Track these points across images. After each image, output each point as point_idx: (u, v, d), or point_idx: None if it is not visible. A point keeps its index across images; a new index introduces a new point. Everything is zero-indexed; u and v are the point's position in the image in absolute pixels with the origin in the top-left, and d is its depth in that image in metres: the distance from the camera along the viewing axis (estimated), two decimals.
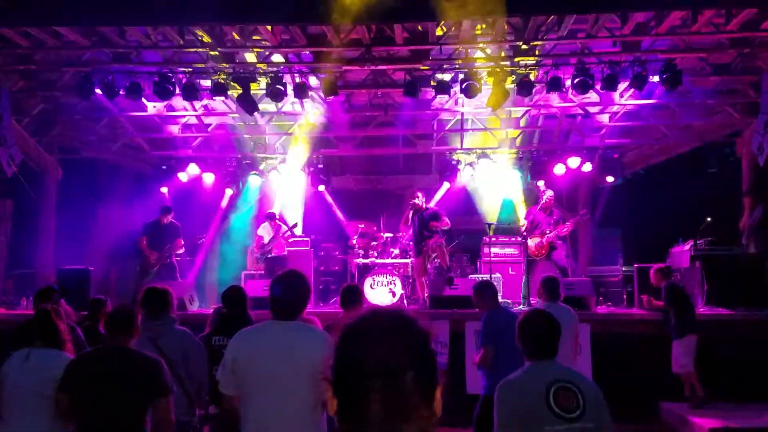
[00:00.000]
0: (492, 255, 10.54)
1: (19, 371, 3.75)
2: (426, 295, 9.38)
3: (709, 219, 9.78)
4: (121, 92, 9.41)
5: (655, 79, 9.22)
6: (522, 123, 12.25)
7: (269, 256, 10.58)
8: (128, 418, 3.31)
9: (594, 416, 2.78)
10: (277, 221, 10.91)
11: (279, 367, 3.03)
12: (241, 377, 3.09)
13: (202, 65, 9.52)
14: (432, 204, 11.04)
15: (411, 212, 9.62)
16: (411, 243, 10.13)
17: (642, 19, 8.57)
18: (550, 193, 10.16)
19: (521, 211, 12.35)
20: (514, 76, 9.47)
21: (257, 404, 3.05)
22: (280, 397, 3.00)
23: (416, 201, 9.56)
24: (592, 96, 10.51)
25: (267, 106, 10.99)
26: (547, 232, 9.75)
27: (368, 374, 1.13)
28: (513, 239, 11.54)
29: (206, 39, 8.84)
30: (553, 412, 2.74)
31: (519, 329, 3.12)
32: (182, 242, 10.18)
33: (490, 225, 10.79)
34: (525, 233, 10.17)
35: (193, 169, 12.39)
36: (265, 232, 10.80)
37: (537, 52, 9.31)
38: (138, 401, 3.33)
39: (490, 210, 12.72)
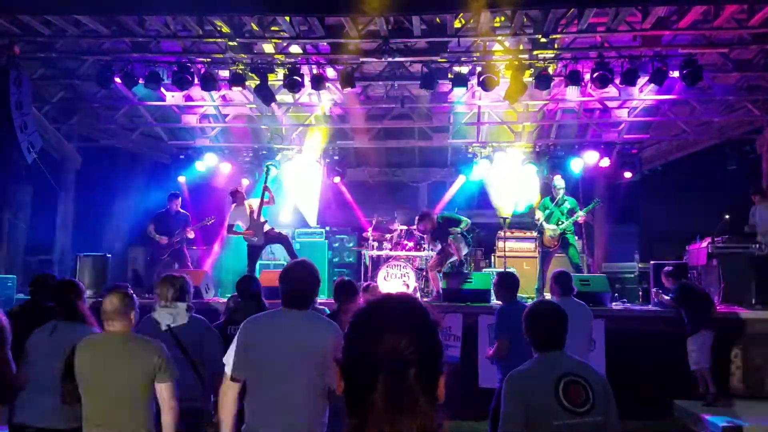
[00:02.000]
0: (507, 249, 10.51)
1: (45, 343, 3.78)
2: (439, 288, 9.38)
3: (727, 216, 9.69)
4: (140, 81, 9.50)
5: (675, 74, 9.12)
6: (539, 117, 12.17)
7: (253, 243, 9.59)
8: (130, 402, 3.30)
9: (603, 410, 2.75)
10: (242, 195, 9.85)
11: (287, 353, 3.05)
12: (249, 361, 3.11)
13: (221, 55, 9.55)
14: (447, 196, 10.95)
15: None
16: (433, 241, 9.96)
17: (663, 14, 8.47)
18: (561, 182, 9.97)
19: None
20: (532, 70, 9.41)
21: (262, 389, 3.07)
22: (285, 383, 3.02)
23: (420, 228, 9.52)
24: (611, 90, 10.42)
25: (284, 96, 11.01)
26: (561, 222, 9.66)
27: (375, 367, 1.16)
28: (528, 234, 11.50)
29: (225, 29, 8.87)
30: (563, 406, 2.70)
31: (526, 321, 3.09)
32: (190, 228, 10.25)
33: (505, 219, 10.75)
34: (539, 226, 10.05)
35: (210, 158, 12.48)
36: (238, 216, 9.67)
37: (556, 46, 9.23)
38: (139, 386, 3.30)
39: (505, 204, 12.66)
